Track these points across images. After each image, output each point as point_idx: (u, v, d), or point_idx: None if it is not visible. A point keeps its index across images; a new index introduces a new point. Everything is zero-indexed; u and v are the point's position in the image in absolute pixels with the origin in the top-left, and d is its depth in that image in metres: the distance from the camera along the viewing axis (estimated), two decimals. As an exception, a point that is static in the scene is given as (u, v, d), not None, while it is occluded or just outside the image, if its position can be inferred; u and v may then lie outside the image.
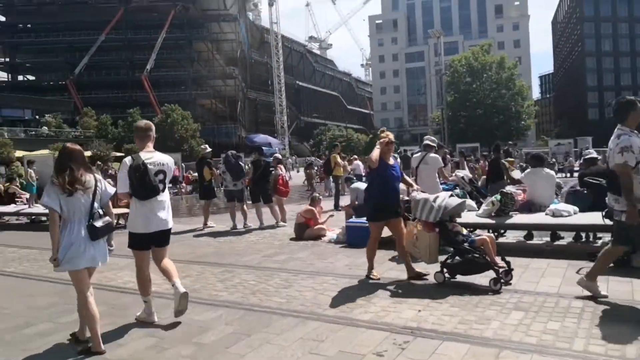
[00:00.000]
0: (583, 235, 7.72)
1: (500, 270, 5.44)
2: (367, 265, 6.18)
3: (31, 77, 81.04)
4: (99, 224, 4.25)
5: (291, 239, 9.08)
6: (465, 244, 5.59)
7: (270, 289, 5.89)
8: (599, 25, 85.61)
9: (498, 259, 5.59)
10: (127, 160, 4.77)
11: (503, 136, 55.88)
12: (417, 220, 5.87)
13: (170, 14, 73.33)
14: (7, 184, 15.14)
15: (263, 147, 11.80)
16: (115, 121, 55.26)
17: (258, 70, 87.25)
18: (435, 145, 7.97)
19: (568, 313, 4.59)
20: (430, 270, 6.00)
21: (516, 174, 9.39)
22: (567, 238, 7.95)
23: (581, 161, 10.23)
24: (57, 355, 4.22)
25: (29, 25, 76.85)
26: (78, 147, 4.38)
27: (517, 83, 58.92)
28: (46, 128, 43.33)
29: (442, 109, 55.21)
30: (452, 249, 5.75)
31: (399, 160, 20.69)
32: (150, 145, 4.89)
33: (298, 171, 43.75)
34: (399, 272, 6.34)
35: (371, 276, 6.05)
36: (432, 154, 7.69)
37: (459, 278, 5.71)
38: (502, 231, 8.28)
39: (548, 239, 8.03)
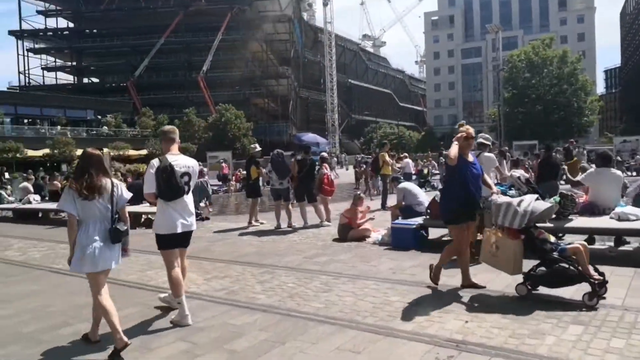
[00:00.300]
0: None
1: (595, 282, 4.83)
2: (462, 276, 5.60)
3: (95, 80, 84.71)
4: (123, 227, 4.33)
5: (334, 240, 8.83)
6: (554, 253, 4.98)
7: (309, 292, 5.66)
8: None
9: (591, 270, 4.97)
10: (155, 162, 4.86)
11: (563, 133, 53.46)
12: (497, 227, 5.26)
13: (227, 16, 74.67)
14: (65, 181, 15.66)
15: (311, 146, 11.55)
16: (172, 121, 56.77)
17: (311, 69, 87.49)
18: (489, 143, 7.46)
19: (634, 329, 4.11)
20: (486, 280, 5.59)
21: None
22: (633, 243, 7.30)
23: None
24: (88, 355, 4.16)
25: (94, 31, 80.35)
26: (97, 152, 4.46)
27: (581, 78, 56.09)
28: (106, 128, 45.11)
29: (499, 105, 53.32)
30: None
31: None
32: (175, 148, 5.02)
33: (347, 169, 43.45)
34: (446, 278, 5.95)
35: (474, 284, 5.45)
36: (487, 153, 7.22)
37: (542, 291, 5.09)
38: (560, 235, 7.70)
39: (612, 244, 7.41)
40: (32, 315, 5.40)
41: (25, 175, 21.07)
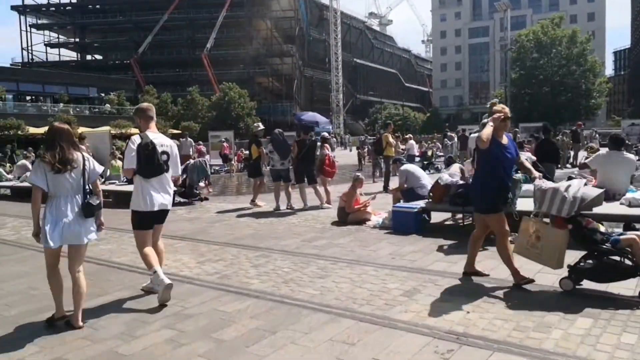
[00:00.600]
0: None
1: None
2: (510, 271, 4.97)
3: (98, 57, 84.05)
4: (95, 201, 4.31)
5: (334, 223, 8.59)
6: (606, 244, 4.55)
7: (305, 278, 5.45)
8: (684, -5, 78.59)
9: None
10: (136, 138, 4.82)
11: (570, 115, 52.75)
12: (540, 215, 4.79)
13: (231, -8, 73.67)
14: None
15: (311, 126, 11.23)
16: (175, 99, 56.37)
17: (315, 47, 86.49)
18: None
19: (647, 324, 3.87)
20: (488, 268, 5.35)
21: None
22: (644, 230, 7.02)
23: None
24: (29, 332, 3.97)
25: (97, 6, 79.54)
26: (66, 126, 4.40)
27: (590, 59, 55.10)
28: (109, 105, 44.79)
29: (506, 86, 52.58)
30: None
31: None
32: (153, 126, 4.98)
33: (351, 150, 43.09)
34: (448, 264, 5.74)
35: (525, 281, 4.85)
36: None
37: (586, 285, 4.68)
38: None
39: (621, 229, 7.13)
40: (18, 297, 5.21)
41: (25, 153, 20.87)
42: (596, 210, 6.51)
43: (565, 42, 55.31)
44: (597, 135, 24.36)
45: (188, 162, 12.61)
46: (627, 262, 4.48)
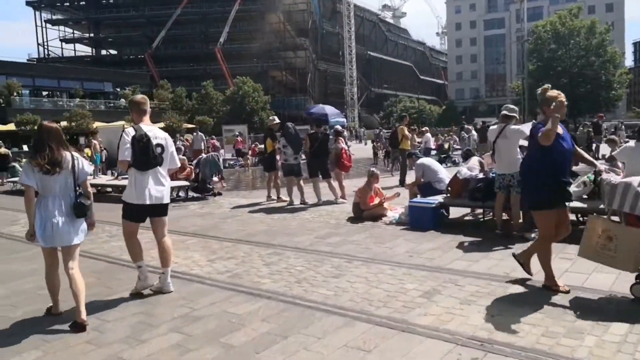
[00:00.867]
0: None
1: None
2: (544, 275, 4.59)
3: (113, 52, 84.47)
4: (87, 201, 4.31)
5: (349, 219, 8.35)
6: None
7: (318, 277, 5.23)
8: None
9: None
10: (130, 130, 4.76)
11: (590, 107, 51.72)
12: (611, 213, 4.35)
13: (244, -15, 73.45)
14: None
15: (322, 119, 10.98)
16: (190, 93, 56.39)
17: (329, 41, 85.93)
18: (514, 115, 6.78)
19: (688, 330, 3.58)
20: (511, 267, 5.07)
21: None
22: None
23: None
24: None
25: (111, 1, 79.93)
26: (55, 125, 4.36)
27: (609, 50, 53.87)
28: (123, 100, 44.87)
29: (523, 78, 51.70)
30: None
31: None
32: (147, 119, 4.92)
33: (366, 144, 42.73)
34: (469, 263, 5.47)
35: (556, 288, 4.46)
36: (512, 126, 6.57)
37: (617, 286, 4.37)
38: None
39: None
40: (25, 297, 5.06)
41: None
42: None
43: (583, 33, 54.13)
44: (622, 127, 23.73)
45: (200, 156, 12.46)
46: None
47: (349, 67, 78.60)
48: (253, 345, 3.66)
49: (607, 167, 5.61)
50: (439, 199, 7.63)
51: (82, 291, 4.22)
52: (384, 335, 3.72)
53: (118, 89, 48.53)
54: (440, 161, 18.90)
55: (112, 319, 4.33)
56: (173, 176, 11.94)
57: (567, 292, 4.40)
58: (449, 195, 7.65)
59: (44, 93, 44.36)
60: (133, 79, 53.17)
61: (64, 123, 34.14)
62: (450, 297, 4.44)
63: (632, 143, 7.20)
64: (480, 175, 7.53)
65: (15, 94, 38.69)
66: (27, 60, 70.47)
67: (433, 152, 19.94)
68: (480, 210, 7.93)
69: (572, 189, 6.50)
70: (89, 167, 4.46)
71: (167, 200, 4.97)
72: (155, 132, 4.85)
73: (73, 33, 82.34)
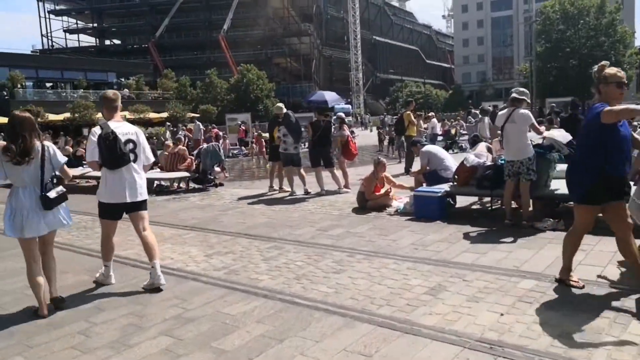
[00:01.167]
0: None
1: None
2: (561, 266, 4.28)
3: (117, 41, 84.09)
4: (52, 194, 4.25)
5: (353, 209, 8.09)
6: None
7: (318, 273, 4.99)
8: None
9: None
10: (96, 129, 4.69)
11: (599, 89, 50.84)
12: None
13: (245, -29, 72.56)
14: (76, 147, 15.21)
15: (323, 107, 10.66)
16: (194, 82, 56.04)
17: (334, 26, 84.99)
18: (524, 98, 6.42)
19: None
20: (522, 259, 4.80)
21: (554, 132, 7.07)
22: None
23: None
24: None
25: (114, -11, 79.37)
26: (27, 114, 4.29)
27: (619, 29, 52.82)
28: (127, 90, 44.65)
29: (531, 60, 50.88)
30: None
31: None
32: (118, 115, 4.86)
33: (371, 130, 42.27)
34: (477, 255, 5.21)
35: (571, 282, 4.18)
36: (522, 110, 6.25)
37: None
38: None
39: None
40: (11, 298, 4.86)
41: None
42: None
43: (593, 12, 53.09)
44: None
45: (201, 147, 12.22)
46: None
47: (354, 52, 77.76)
48: (246, 350, 3.43)
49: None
50: (445, 187, 7.35)
51: (53, 270, 4.47)
52: (385, 338, 3.48)
53: (122, 79, 48.28)
54: (447, 147, 18.59)
55: (101, 321, 4.12)
56: (173, 167, 11.77)
57: (582, 287, 4.14)
58: (455, 183, 7.36)
59: (48, 84, 44.17)
60: (136, 68, 52.91)
61: (67, 114, 34.06)
62: (457, 294, 4.19)
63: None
64: (489, 162, 7.23)
65: (18, 85, 38.53)
66: (31, 51, 70.32)
67: (440, 138, 19.60)
68: (488, 199, 7.63)
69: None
70: (61, 156, 4.44)
71: (143, 197, 4.89)
72: (125, 128, 4.78)
73: (77, 23, 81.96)
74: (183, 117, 37.62)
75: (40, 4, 75.66)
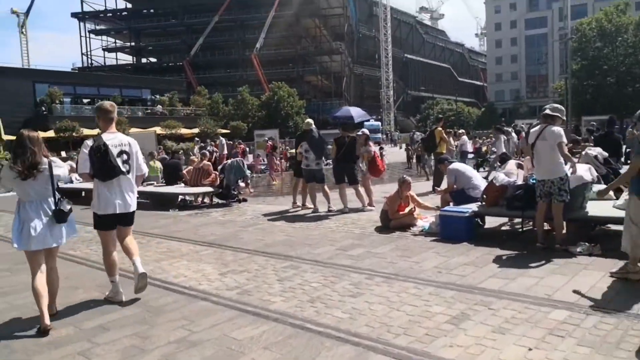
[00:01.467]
0: None
1: None
2: None
3: (153, 60, 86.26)
4: (66, 207, 4.39)
5: (376, 228, 7.79)
6: None
7: (334, 296, 4.72)
8: None
9: None
10: (89, 141, 4.76)
11: (638, 107, 49.25)
12: None
13: (279, -8, 73.67)
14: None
15: (347, 122, 10.41)
16: (226, 99, 56.82)
17: (365, 44, 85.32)
18: (557, 114, 6.02)
19: None
20: (554, 287, 4.43)
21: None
22: None
23: None
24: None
25: (151, 11, 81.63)
26: (35, 133, 4.40)
27: (659, 46, 51.25)
28: (160, 107, 45.51)
29: (566, 78, 49.73)
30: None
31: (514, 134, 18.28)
32: (113, 127, 4.88)
33: (400, 147, 41.80)
34: (504, 282, 4.85)
35: None
36: (553, 127, 5.87)
37: None
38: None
39: None
40: (19, 312, 4.75)
41: (73, 154, 21.22)
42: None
43: (631, 29, 51.70)
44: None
45: (225, 162, 12.16)
46: None
47: (385, 70, 77.79)
48: (248, 381, 3.19)
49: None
50: (473, 207, 6.99)
51: (55, 287, 4.52)
52: (400, 372, 3.18)
53: (156, 96, 49.27)
54: (478, 165, 18.12)
55: (104, 341, 3.95)
56: (198, 182, 11.72)
57: None
58: (484, 203, 7.00)
59: (85, 101, 45.40)
60: (170, 85, 53.96)
61: (101, 129, 34.82)
62: (482, 324, 3.86)
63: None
64: (520, 182, 6.86)
65: (57, 101, 39.70)
66: (72, 69, 72.71)
67: (470, 156, 19.13)
68: (518, 220, 7.22)
69: (623, 196, 5.82)
70: (64, 172, 4.60)
71: (133, 208, 4.92)
72: (119, 139, 4.81)
73: (115, 42, 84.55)
74: (213, 133, 38.02)
75: (82, 24, 78.54)
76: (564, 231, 6.01)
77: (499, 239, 6.79)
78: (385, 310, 4.28)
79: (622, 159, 11.18)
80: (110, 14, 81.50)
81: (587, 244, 5.72)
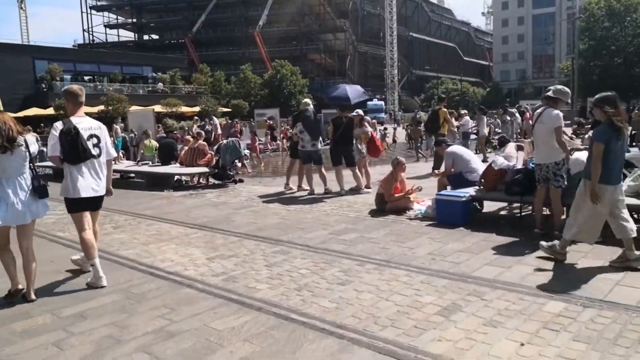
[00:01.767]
0: None
1: None
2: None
3: (155, 36, 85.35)
4: (47, 183, 4.54)
5: (370, 211, 7.61)
6: None
7: (322, 284, 4.55)
8: None
9: None
10: (58, 124, 4.72)
11: (645, 89, 48.60)
12: None
13: (282, -33, 72.49)
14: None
15: (342, 103, 10.12)
16: (229, 77, 56.29)
17: (370, 22, 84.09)
18: (559, 97, 5.70)
19: None
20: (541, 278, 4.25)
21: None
22: None
23: None
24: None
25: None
26: (7, 114, 4.46)
27: (669, 26, 50.29)
28: (161, 84, 45.10)
29: (573, 58, 48.97)
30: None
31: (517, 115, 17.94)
32: (82, 110, 4.84)
33: (404, 128, 41.28)
34: (499, 270, 4.68)
35: None
36: (554, 111, 5.58)
37: None
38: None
39: None
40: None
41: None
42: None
43: (641, 8, 50.72)
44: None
45: (220, 142, 11.95)
46: None
47: (390, 49, 76.66)
48: (224, 376, 3.03)
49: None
50: (470, 191, 6.79)
51: (33, 271, 4.45)
52: (384, 368, 3.02)
53: (157, 73, 48.76)
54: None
55: (80, 331, 3.80)
56: (193, 162, 11.52)
57: None
58: (482, 187, 6.79)
59: (86, 78, 44.99)
60: (172, 63, 53.38)
61: (101, 107, 34.57)
62: (473, 316, 3.69)
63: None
64: (519, 166, 6.64)
65: (57, 78, 39.34)
66: (73, 46, 72.04)
67: (473, 137, 18.80)
68: (517, 205, 7.02)
69: (627, 182, 5.59)
70: (35, 148, 4.54)
71: (103, 192, 4.91)
72: (88, 123, 4.79)
73: (117, 19, 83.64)
74: (214, 112, 37.70)
75: (83, 0, 77.56)
76: (564, 217, 5.79)
77: (497, 224, 6.60)
78: (373, 299, 4.11)
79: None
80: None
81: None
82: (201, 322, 3.85)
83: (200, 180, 11.95)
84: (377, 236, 6.16)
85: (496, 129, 22.60)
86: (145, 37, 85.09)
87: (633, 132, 15.68)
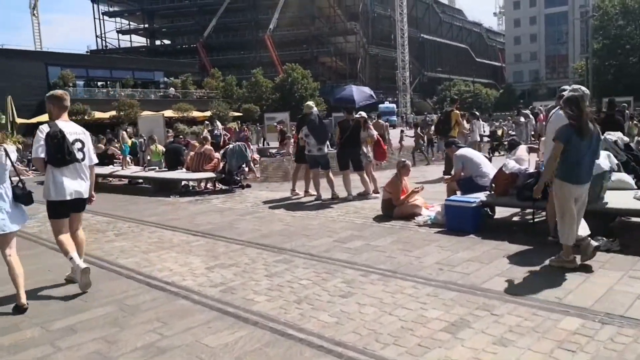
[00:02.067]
0: None
1: None
2: None
3: (167, 42, 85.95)
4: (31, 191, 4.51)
5: (377, 218, 7.38)
6: None
7: (323, 296, 4.34)
8: None
9: None
10: (44, 127, 4.69)
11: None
12: None
13: (292, -29, 72.58)
14: (108, 145, 15.12)
15: (347, 106, 9.88)
16: (240, 81, 56.36)
17: (380, 24, 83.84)
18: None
19: None
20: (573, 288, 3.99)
21: None
22: None
23: None
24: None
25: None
26: None
27: (686, 24, 49.45)
28: (173, 89, 45.26)
29: (587, 58, 48.26)
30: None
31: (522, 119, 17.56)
32: (66, 115, 4.88)
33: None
34: (511, 281, 4.42)
35: None
36: (561, 110, 5.31)
37: None
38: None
39: None
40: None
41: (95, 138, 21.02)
42: None
43: (657, 6, 49.90)
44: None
45: (227, 147, 11.79)
46: None
47: (401, 50, 76.36)
48: (212, 400, 2.83)
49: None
50: (481, 196, 6.53)
51: (20, 275, 4.36)
52: (384, 392, 2.79)
53: (169, 78, 48.97)
54: (493, 149, 17.51)
55: (67, 345, 3.63)
56: (199, 167, 11.38)
57: None
58: (493, 192, 6.53)
59: (99, 83, 45.34)
60: (183, 67, 53.63)
61: (113, 112, 34.72)
62: (482, 333, 3.44)
63: None
64: (531, 169, 6.38)
65: (69, 84, 39.64)
66: (86, 52, 72.74)
67: (486, 139, 18.51)
68: (530, 210, 6.74)
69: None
70: (15, 156, 4.55)
71: (86, 195, 4.91)
72: (72, 128, 4.84)
73: (129, 24, 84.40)
74: (226, 116, 37.69)
75: (95, 6, 78.39)
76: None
77: (509, 231, 6.33)
78: (376, 314, 3.88)
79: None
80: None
81: (604, 238, 5.24)
82: (194, 337, 3.65)
83: (208, 186, 11.81)
84: (383, 244, 5.93)
85: (509, 131, 22.24)
86: (157, 42, 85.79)
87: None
